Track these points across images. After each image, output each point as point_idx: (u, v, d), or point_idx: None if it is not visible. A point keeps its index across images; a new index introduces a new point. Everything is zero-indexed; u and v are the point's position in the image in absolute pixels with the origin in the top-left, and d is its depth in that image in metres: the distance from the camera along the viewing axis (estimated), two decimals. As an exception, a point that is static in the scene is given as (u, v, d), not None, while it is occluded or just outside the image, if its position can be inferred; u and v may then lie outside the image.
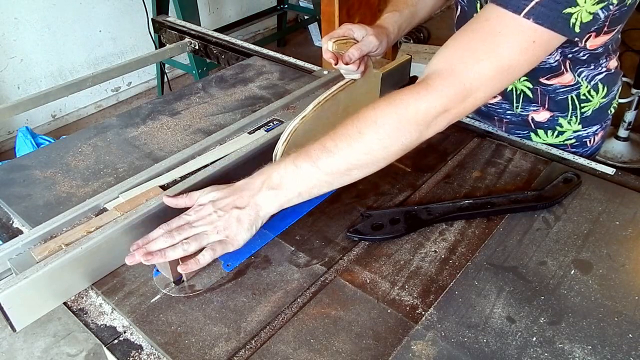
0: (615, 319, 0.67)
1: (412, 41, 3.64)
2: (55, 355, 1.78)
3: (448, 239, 0.79)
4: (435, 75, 0.70)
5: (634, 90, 2.53)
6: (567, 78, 0.93)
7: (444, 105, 0.69)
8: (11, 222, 0.85)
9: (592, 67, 0.93)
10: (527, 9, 0.66)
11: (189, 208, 0.74)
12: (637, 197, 0.86)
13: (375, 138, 0.70)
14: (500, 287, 0.71)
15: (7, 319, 0.65)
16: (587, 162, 0.96)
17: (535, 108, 1.00)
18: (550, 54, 0.89)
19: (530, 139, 1.04)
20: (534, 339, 0.64)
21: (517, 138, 1.03)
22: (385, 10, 1.01)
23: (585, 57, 0.90)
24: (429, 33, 3.77)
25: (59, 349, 1.80)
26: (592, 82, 0.95)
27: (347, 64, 0.87)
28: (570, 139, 1.02)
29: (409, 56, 1.17)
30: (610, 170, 0.93)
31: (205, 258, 0.69)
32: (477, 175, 0.92)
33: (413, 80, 1.21)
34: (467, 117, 1.12)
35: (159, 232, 0.71)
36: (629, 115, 2.60)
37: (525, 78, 0.96)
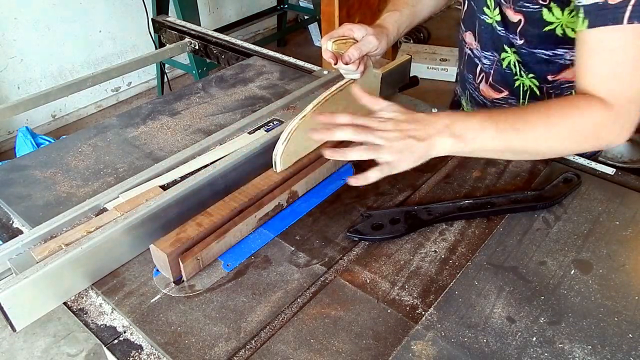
0: (615, 319, 0.67)
1: (412, 41, 3.64)
2: (55, 355, 1.78)
3: (448, 239, 0.79)
4: (611, 100, 0.73)
5: (634, 90, 2.53)
6: (572, 73, 0.93)
7: (622, 127, 0.74)
8: (11, 222, 0.85)
9: None
10: (627, 15, 0.67)
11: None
12: (637, 197, 0.86)
13: (559, 138, 0.74)
14: (500, 287, 0.71)
15: (7, 319, 0.65)
16: (587, 162, 0.96)
17: None
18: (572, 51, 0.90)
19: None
20: (534, 339, 0.64)
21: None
22: (385, 10, 1.01)
23: None
24: (429, 33, 3.77)
25: (59, 349, 1.80)
26: None
27: (346, 63, 0.87)
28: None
29: (409, 56, 1.17)
30: (610, 170, 0.93)
31: (373, 176, 0.72)
32: (477, 175, 0.92)
33: (413, 80, 1.20)
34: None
35: (345, 118, 0.72)
36: (629, 115, 2.59)
37: (532, 75, 0.96)
